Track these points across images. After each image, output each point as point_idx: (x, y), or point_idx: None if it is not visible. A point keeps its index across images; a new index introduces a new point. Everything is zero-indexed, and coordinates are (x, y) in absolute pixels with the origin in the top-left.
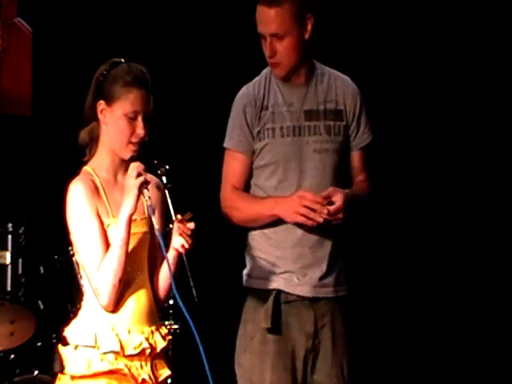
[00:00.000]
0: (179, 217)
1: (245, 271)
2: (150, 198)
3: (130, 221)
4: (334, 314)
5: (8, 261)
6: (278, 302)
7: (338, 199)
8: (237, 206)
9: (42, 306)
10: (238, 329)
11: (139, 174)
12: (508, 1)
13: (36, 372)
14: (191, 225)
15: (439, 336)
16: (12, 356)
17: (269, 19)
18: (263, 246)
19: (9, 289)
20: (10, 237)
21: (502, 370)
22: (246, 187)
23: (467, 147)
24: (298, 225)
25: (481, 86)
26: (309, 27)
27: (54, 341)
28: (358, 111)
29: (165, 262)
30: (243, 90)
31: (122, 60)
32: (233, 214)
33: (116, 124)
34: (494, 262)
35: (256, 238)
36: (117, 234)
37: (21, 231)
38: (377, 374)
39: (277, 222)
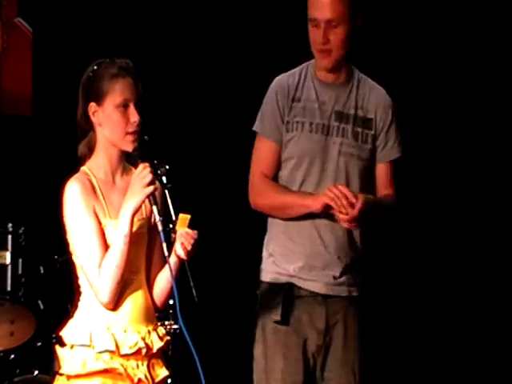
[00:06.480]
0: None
1: (261, 265)
2: (161, 220)
3: (133, 218)
4: (346, 312)
5: (8, 261)
6: (290, 295)
7: (359, 201)
8: (267, 194)
9: (42, 306)
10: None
11: (152, 183)
12: (508, 1)
13: (36, 372)
14: (194, 234)
15: (449, 337)
16: (12, 356)
17: (325, 5)
18: (280, 240)
19: (9, 289)
20: (9, 237)
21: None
22: (275, 177)
23: (468, 150)
24: (318, 223)
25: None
26: (359, 23)
27: (54, 341)
28: (388, 124)
29: (164, 270)
30: (279, 77)
31: (107, 60)
32: (261, 201)
33: (110, 119)
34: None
35: (274, 231)
36: (120, 230)
37: (21, 231)
38: (387, 374)
39: (298, 217)
